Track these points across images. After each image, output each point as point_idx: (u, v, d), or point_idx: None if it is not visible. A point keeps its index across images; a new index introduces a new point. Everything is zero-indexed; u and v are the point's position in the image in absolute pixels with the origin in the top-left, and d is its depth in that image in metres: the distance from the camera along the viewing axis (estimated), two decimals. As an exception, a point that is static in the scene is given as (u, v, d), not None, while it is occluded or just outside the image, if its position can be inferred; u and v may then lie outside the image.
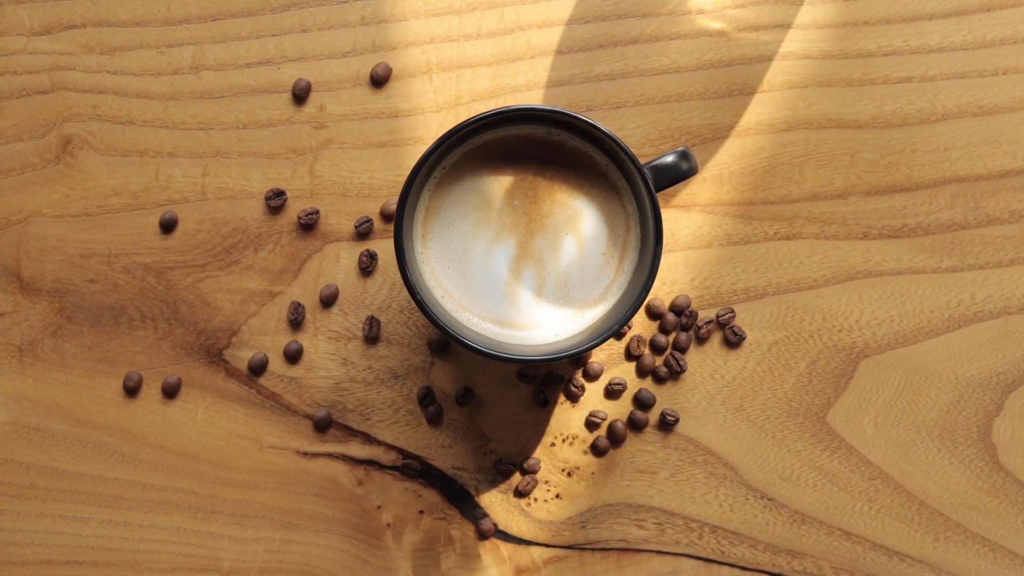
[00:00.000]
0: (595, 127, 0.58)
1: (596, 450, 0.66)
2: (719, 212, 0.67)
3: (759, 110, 0.67)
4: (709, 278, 0.66)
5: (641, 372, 0.66)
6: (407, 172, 0.66)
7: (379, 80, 0.67)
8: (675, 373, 0.66)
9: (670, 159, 0.59)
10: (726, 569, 0.66)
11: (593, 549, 0.66)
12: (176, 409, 0.66)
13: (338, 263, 0.67)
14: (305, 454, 0.66)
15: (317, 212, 0.66)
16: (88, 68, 0.67)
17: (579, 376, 0.66)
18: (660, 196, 0.66)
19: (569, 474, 0.67)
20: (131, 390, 0.66)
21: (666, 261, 0.66)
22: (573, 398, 0.66)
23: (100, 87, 0.67)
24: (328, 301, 0.66)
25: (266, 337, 0.67)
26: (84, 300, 0.66)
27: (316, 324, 0.67)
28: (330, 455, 0.66)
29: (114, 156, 0.67)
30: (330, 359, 0.66)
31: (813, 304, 0.67)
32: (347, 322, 0.67)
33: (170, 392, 0.66)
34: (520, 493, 0.66)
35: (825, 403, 0.66)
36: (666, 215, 0.66)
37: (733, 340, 0.66)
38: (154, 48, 0.67)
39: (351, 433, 0.66)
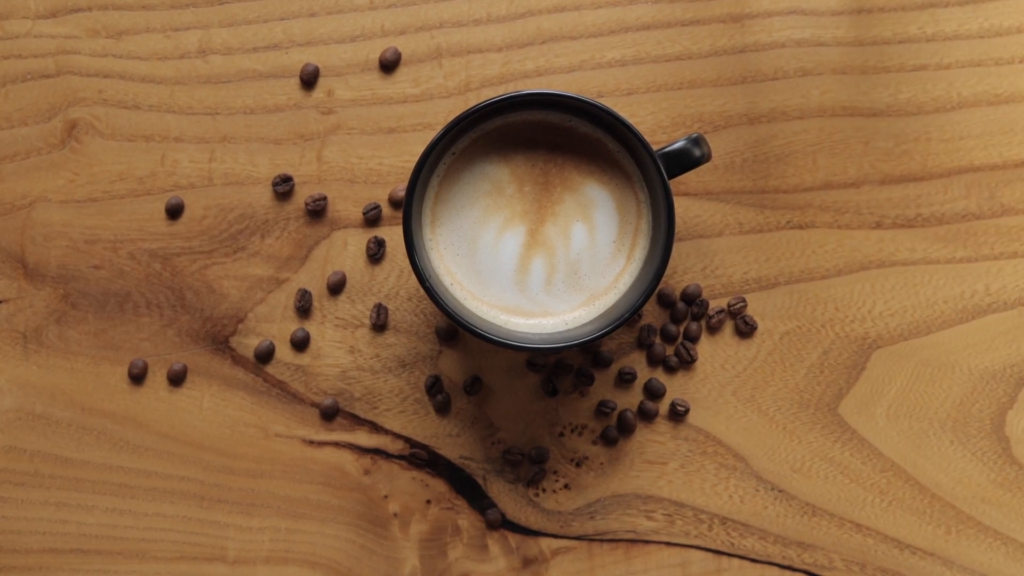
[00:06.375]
0: (608, 113, 0.58)
1: (606, 440, 0.66)
2: (731, 200, 0.66)
3: (772, 97, 0.66)
4: (721, 267, 0.66)
5: (652, 361, 0.66)
6: (416, 158, 0.66)
7: (388, 65, 0.66)
8: (686, 363, 0.66)
9: (683, 146, 0.59)
10: (736, 561, 0.66)
11: (602, 540, 0.66)
12: (182, 397, 0.66)
13: (345, 250, 0.66)
14: (311, 443, 0.66)
15: (325, 198, 0.66)
16: (94, 52, 0.66)
17: (589, 365, 0.66)
18: (672, 183, 0.65)
19: (578, 464, 0.66)
20: (136, 377, 0.66)
21: (677, 249, 0.66)
22: (582, 387, 0.66)
23: (106, 71, 0.66)
24: (335, 288, 0.66)
25: (272, 324, 0.66)
26: (89, 286, 0.66)
27: (323, 312, 0.66)
28: (337, 444, 0.66)
29: (120, 141, 0.66)
30: (337, 347, 0.66)
31: (825, 294, 0.66)
32: (354, 310, 0.66)
33: (176, 380, 0.66)
34: (528, 483, 0.66)
35: (837, 394, 0.66)
36: (678, 203, 0.66)
37: (744, 330, 0.66)
38: (160, 32, 0.66)
39: (358, 422, 0.66)
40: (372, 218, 0.66)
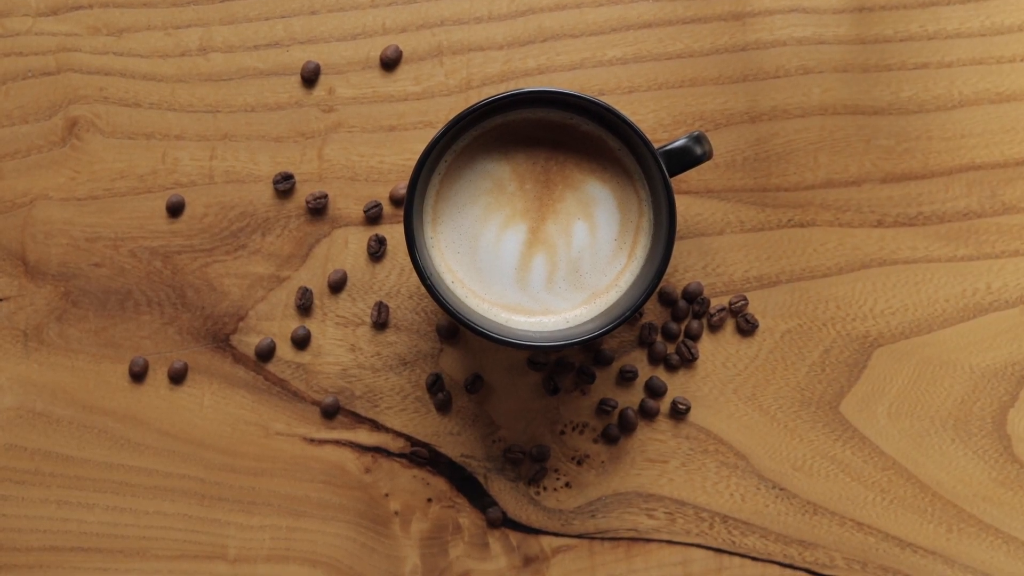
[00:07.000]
0: (609, 110, 0.58)
1: (607, 438, 0.66)
2: (732, 198, 0.66)
3: (774, 95, 0.66)
4: (722, 265, 0.66)
5: (653, 359, 0.66)
6: (417, 156, 0.66)
7: (389, 63, 0.66)
8: (687, 361, 0.66)
9: (684, 144, 0.59)
10: (737, 559, 0.66)
11: (603, 538, 0.66)
12: (182, 395, 0.66)
13: (346, 248, 0.66)
14: (312, 441, 0.66)
15: (325, 196, 0.66)
16: (95, 49, 0.66)
17: (590, 363, 0.66)
18: (673, 181, 0.65)
19: (579, 462, 0.66)
20: (137, 375, 0.66)
21: (678, 247, 0.66)
22: (583, 386, 0.66)
23: (107, 69, 0.66)
24: (336, 286, 0.66)
25: (273, 322, 0.66)
26: (90, 284, 0.66)
27: (324, 310, 0.66)
28: (337, 442, 0.66)
29: (120, 139, 0.66)
30: (338, 345, 0.66)
31: (827, 292, 0.66)
32: (355, 308, 0.66)
33: (176, 378, 0.66)
34: (529, 481, 0.66)
35: (838, 392, 0.66)
36: (679, 201, 0.66)
37: (745, 328, 0.66)
38: (161, 30, 0.66)
39: (359, 420, 0.66)
40: (373, 216, 0.66)
